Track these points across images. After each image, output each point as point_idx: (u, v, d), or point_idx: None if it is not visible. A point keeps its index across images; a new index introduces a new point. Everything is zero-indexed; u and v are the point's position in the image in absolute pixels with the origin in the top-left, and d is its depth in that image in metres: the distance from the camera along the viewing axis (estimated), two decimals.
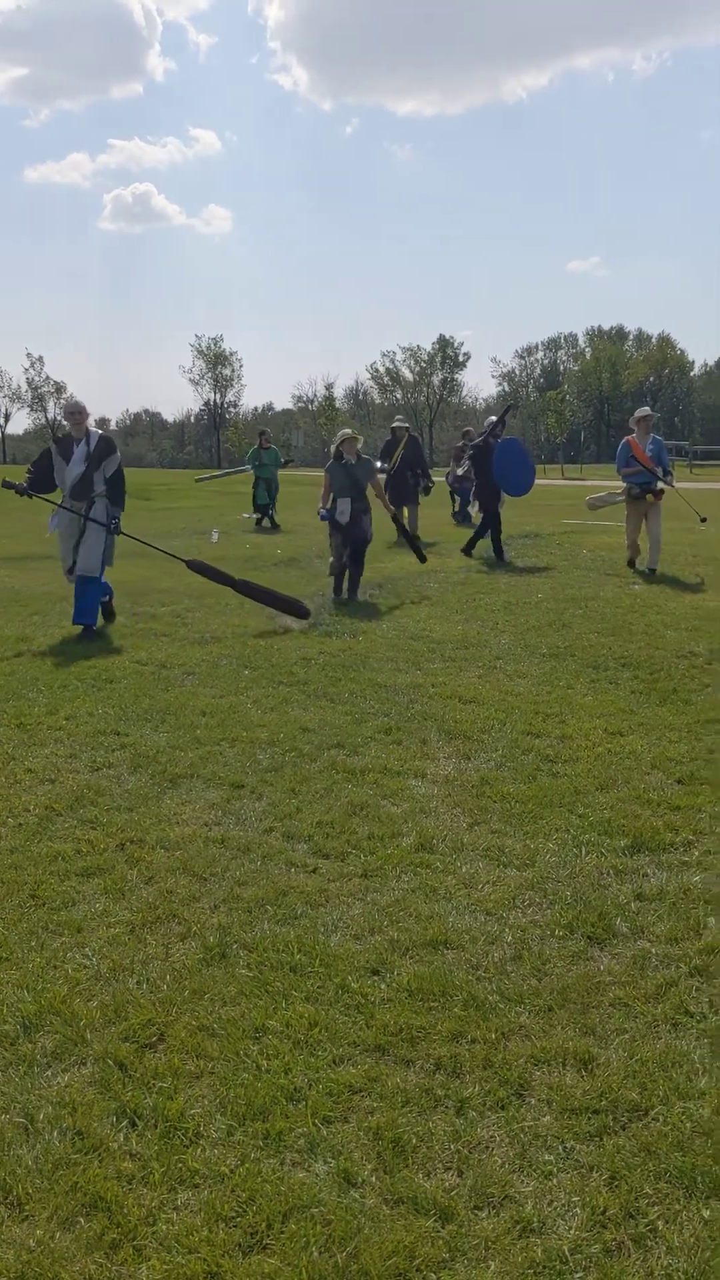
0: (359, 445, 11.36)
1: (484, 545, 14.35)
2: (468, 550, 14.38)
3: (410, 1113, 2.75)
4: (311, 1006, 3.23)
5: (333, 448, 11.38)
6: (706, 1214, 2.38)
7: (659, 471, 12.34)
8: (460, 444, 21.36)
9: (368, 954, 3.55)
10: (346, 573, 11.24)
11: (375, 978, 3.41)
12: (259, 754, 5.70)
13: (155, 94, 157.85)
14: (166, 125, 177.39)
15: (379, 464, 17.03)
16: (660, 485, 12.32)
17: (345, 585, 11.22)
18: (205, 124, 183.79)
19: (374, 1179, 2.51)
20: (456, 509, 21.51)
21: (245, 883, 4.11)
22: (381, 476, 14.07)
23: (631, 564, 12.68)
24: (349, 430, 11.82)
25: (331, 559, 11.52)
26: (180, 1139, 2.65)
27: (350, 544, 11.13)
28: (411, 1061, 2.97)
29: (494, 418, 15.20)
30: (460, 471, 20.36)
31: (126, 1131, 2.69)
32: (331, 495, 11.15)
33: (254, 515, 21.65)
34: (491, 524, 14.21)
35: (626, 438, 12.62)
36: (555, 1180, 2.50)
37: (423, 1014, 3.19)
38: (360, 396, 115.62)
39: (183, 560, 9.96)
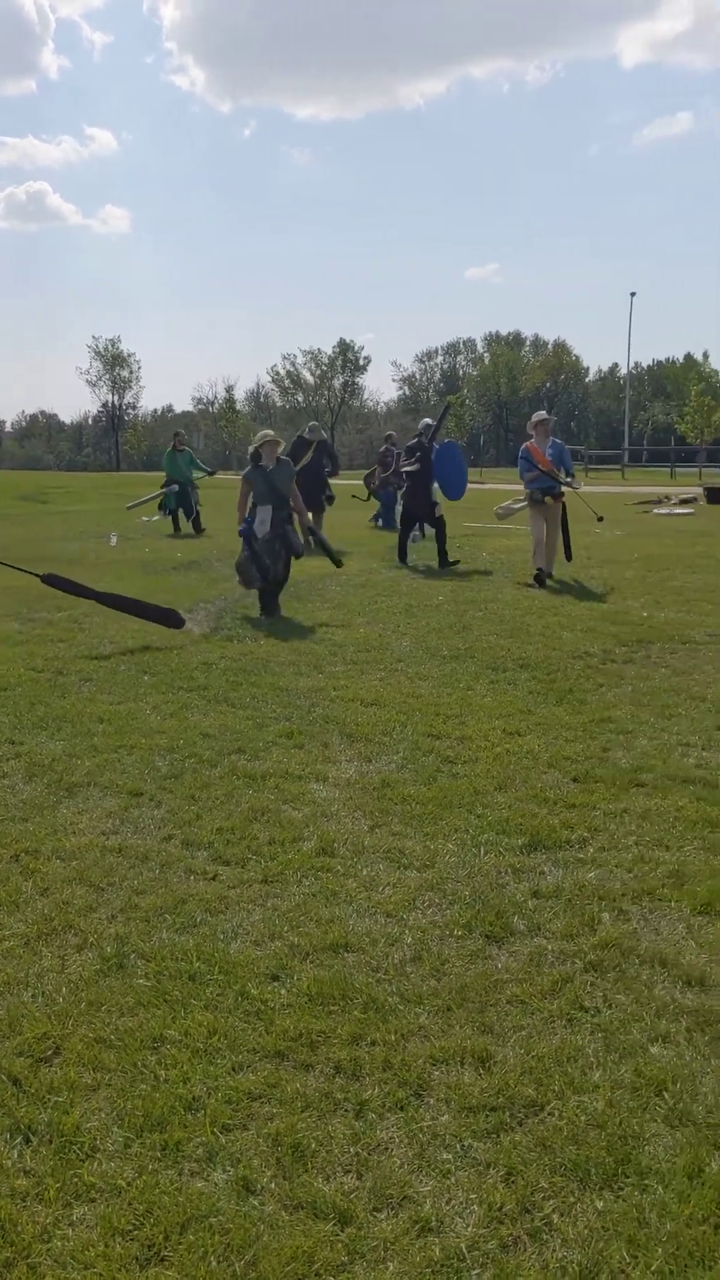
0: (280, 449, 10.61)
1: (383, 543, 14.43)
2: (444, 562, 13.62)
3: (310, 1117, 2.75)
4: (211, 1014, 3.21)
5: (250, 450, 10.49)
6: (600, 1205, 2.43)
7: (561, 475, 12.17)
8: (383, 449, 21.27)
9: (268, 960, 3.54)
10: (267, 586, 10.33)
11: (275, 983, 3.40)
12: (158, 761, 5.64)
13: (49, 91, 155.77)
14: (61, 123, 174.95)
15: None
16: (562, 489, 12.14)
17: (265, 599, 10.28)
18: (101, 123, 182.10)
19: (273, 1185, 2.51)
20: (375, 514, 21.22)
21: (143, 891, 4.07)
22: None
23: (541, 574, 11.91)
24: (269, 432, 10.87)
25: (247, 574, 10.35)
26: (76, 1153, 2.61)
27: (277, 557, 10.24)
28: (311, 1066, 2.97)
29: (428, 420, 14.78)
30: (390, 473, 20.34)
31: (20, 1148, 2.64)
32: (250, 504, 10.36)
33: (156, 518, 21.23)
34: (406, 527, 14.23)
35: (525, 444, 12.39)
36: (453, 1179, 2.53)
37: (322, 1018, 3.20)
38: (261, 399, 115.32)
39: (36, 575, 9.66)
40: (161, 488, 20.82)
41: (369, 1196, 2.47)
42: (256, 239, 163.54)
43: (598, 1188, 2.49)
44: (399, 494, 15.56)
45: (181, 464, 20.39)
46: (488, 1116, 2.74)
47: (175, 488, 20.34)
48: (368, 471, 22.49)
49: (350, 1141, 2.66)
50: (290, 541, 10.33)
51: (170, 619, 9.16)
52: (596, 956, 3.56)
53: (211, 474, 21.25)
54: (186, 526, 19.99)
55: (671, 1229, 2.34)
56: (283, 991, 3.35)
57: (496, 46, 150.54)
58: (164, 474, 21.17)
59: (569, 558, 12.58)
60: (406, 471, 13.86)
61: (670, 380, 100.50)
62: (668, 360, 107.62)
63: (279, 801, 5.05)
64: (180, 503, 20.21)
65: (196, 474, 20.59)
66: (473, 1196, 2.46)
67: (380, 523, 20.63)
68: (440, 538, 13.92)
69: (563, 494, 12.25)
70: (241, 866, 4.32)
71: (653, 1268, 2.24)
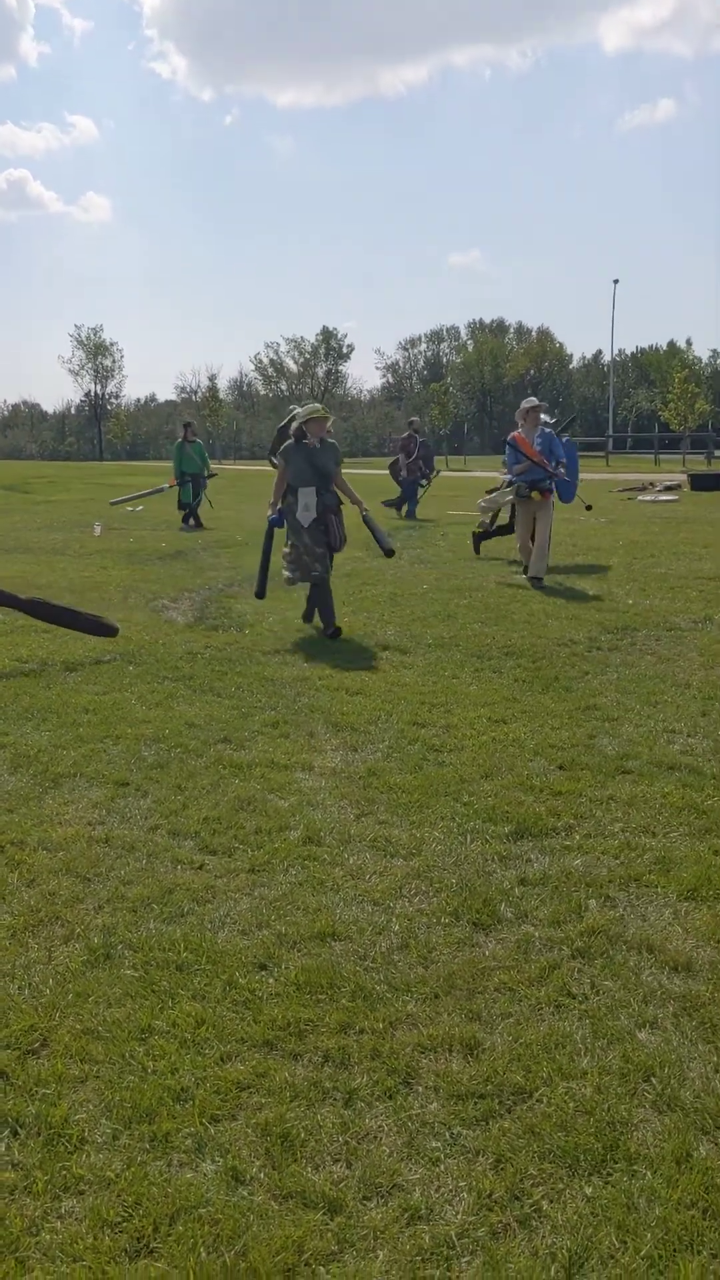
0: (329, 425, 8.97)
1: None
2: (477, 546, 13.57)
3: (298, 1106, 2.74)
4: (198, 1004, 3.20)
5: (294, 426, 8.94)
6: (589, 1191, 2.43)
7: (551, 465, 11.35)
8: (406, 434, 20.90)
9: (255, 949, 3.54)
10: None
11: (263, 972, 3.40)
12: (144, 751, 5.62)
13: (29, 78, 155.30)
14: (41, 110, 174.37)
15: (274, 460, 16.24)
16: (550, 483, 11.43)
17: (314, 609, 9.00)
18: (82, 110, 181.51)
19: (262, 1175, 2.51)
20: (396, 502, 20.42)
21: (130, 882, 4.05)
22: None
23: (526, 569, 11.45)
24: (318, 405, 9.08)
25: (288, 573, 8.97)
26: (64, 1146, 2.60)
27: (321, 553, 8.76)
28: (300, 1055, 2.97)
29: (545, 418, 13.56)
30: (413, 461, 19.89)
31: (8, 1141, 2.63)
32: (284, 488, 8.92)
33: (140, 508, 21.05)
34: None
35: (512, 434, 11.64)
36: (442, 1166, 2.53)
37: (310, 1007, 3.19)
38: (245, 387, 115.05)
39: None
40: (172, 481, 19.46)
41: (358, 1185, 2.47)
42: (239, 227, 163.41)
43: (586, 1174, 2.49)
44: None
45: (194, 454, 19.25)
46: (476, 1104, 2.75)
47: (167, 487, 19.43)
48: (391, 460, 21.37)
49: (339, 1130, 2.66)
50: (331, 531, 8.86)
51: (103, 629, 8.33)
52: (584, 943, 3.57)
53: (213, 475, 20.01)
54: (202, 520, 18.85)
55: (660, 1214, 2.35)
56: (270, 981, 3.34)
57: (478, 33, 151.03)
58: (171, 465, 19.93)
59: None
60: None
61: (654, 367, 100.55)
62: (651, 347, 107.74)
63: (265, 791, 5.04)
64: (193, 495, 19.03)
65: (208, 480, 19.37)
66: (462, 1184, 2.47)
67: (404, 512, 19.98)
68: (496, 534, 13.58)
69: (551, 489, 11.54)
70: (228, 856, 4.31)
71: (642, 1253, 2.25)
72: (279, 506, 9.02)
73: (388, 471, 21.47)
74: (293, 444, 8.83)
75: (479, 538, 13.82)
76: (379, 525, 9.61)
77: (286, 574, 9.02)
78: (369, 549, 14.14)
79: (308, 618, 9.17)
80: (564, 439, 13.28)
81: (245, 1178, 2.50)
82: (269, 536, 9.18)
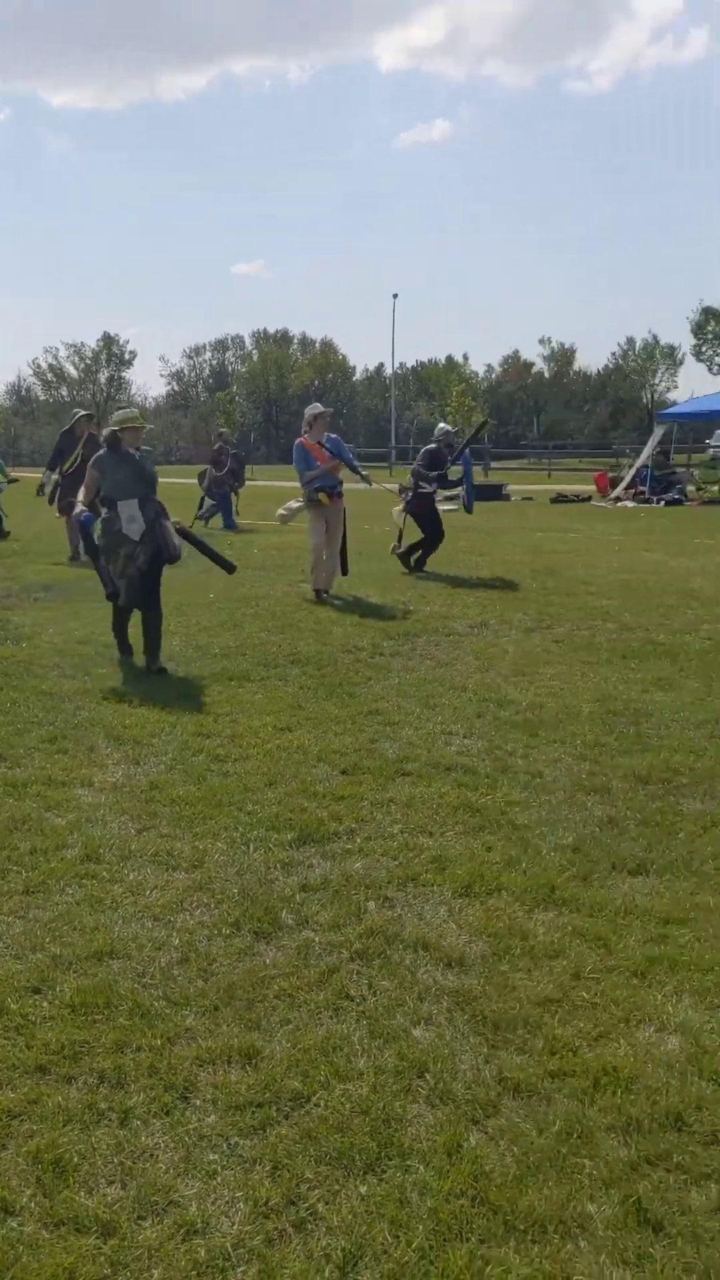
0: (144, 433, 8.38)
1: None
2: (419, 565, 12.97)
3: (72, 1130, 2.68)
4: None
5: (105, 433, 8.31)
6: (364, 1190, 2.47)
7: (344, 469, 11.14)
8: (217, 446, 20.74)
9: (29, 973, 3.43)
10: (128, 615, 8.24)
11: (36, 996, 3.30)
12: None
13: None
14: None
15: (52, 475, 15.54)
16: (340, 488, 11.24)
17: (139, 639, 8.07)
18: None
19: (33, 1204, 2.43)
20: (201, 512, 19.95)
21: None
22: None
23: (321, 594, 10.90)
24: (133, 411, 8.45)
25: (120, 594, 8.09)
26: None
27: (141, 567, 7.92)
28: (74, 1078, 2.90)
29: (446, 426, 13.71)
30: (227, 472, 19.61)
31: None
32: (92, 499, 8.21)
33: None
34: (437, 540, 13.12)
35: (299, 440, 11.24)
36: (219, 1178, 2.52)
37: (86, 1028, 3.12)
38: (24, 392, 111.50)
39: None
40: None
41: (133, 1205, 2.43)
42: (13, 228, 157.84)
43: (361, 1173, 2.53)
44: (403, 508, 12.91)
45: None
46: (254, 1113, 2.75)
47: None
48: (200, 470, 21.17)
49: (114, 1151, 2.61)
50: (164, 540, 7.98)
51: None
52: (362, 945, 3.62)
53: (14, 481, 19.33)
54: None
55: (432, 1205, 2.41)
56: (44, 1004, 3.25)
57: (256, 45, 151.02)
58: None
59: (344, 572, 11.58)
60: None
61: (433, 381, 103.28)
62: (430, 361, 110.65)
63: (41, 809, 4.89)
64: None
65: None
66: (239, 1194, 2.46)
67: (222, 523, 19.63)
68: (430, 545, 13.12)
69: (341, 494, 11.33)
70: (1, 878, 4.16)
71: (413, 1245, 2.30)
72: (86, 509, 8.38)
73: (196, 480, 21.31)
74: (107, 453, 8.10)
75: (404, 556, 13.17)
76: (205, 541, 8.85)
77: (120, 597, 8.11)
78: None
79: (149, 658, 7.89)
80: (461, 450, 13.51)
81: (15, 1208, 2.42)
82: (89, 537, 8.40)
